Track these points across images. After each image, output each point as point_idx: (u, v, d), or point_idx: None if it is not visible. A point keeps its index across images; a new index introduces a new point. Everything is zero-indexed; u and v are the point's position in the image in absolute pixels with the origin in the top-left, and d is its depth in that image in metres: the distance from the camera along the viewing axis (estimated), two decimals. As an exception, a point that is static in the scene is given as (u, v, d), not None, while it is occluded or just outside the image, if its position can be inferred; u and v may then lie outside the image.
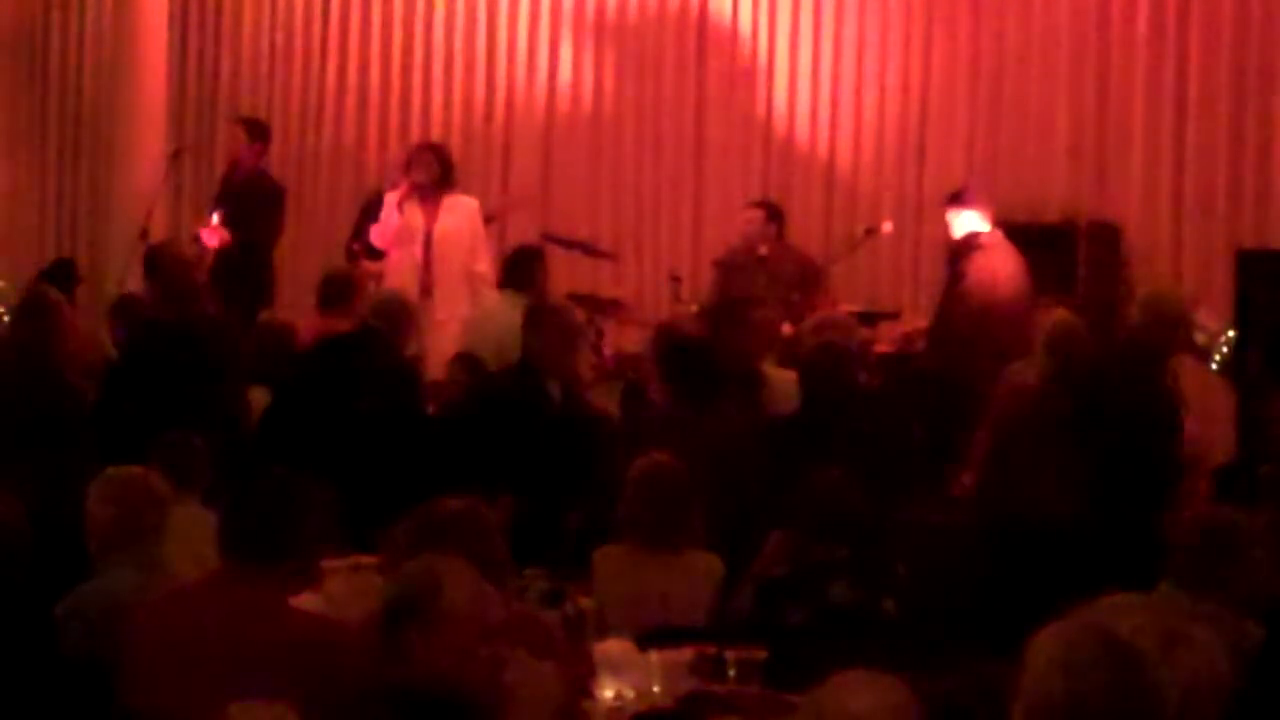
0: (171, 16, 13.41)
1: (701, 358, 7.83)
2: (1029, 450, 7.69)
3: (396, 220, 10.61)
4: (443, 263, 10.48)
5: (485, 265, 10.54)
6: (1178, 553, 5.20)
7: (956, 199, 10.14)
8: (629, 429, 7.93)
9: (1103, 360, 8.02)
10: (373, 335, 8.41)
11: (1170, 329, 7.97)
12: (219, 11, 14.17)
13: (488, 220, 11.10)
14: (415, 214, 10.63)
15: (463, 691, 3.91)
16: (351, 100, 13.71)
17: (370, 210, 11.34)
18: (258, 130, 12.08)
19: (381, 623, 4.00)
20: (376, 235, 10.73)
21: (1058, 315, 8.28)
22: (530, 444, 7.55)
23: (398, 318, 8.54)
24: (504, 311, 9.27)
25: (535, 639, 4.58)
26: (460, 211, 10.68)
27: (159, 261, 8.97)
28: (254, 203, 11.54)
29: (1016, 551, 7.33)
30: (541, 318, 8.03)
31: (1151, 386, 7.70)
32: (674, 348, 7.92)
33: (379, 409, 8.08)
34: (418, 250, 10.56)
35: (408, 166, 10.87)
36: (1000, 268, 9.75)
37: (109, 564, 5.62)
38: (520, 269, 9.69)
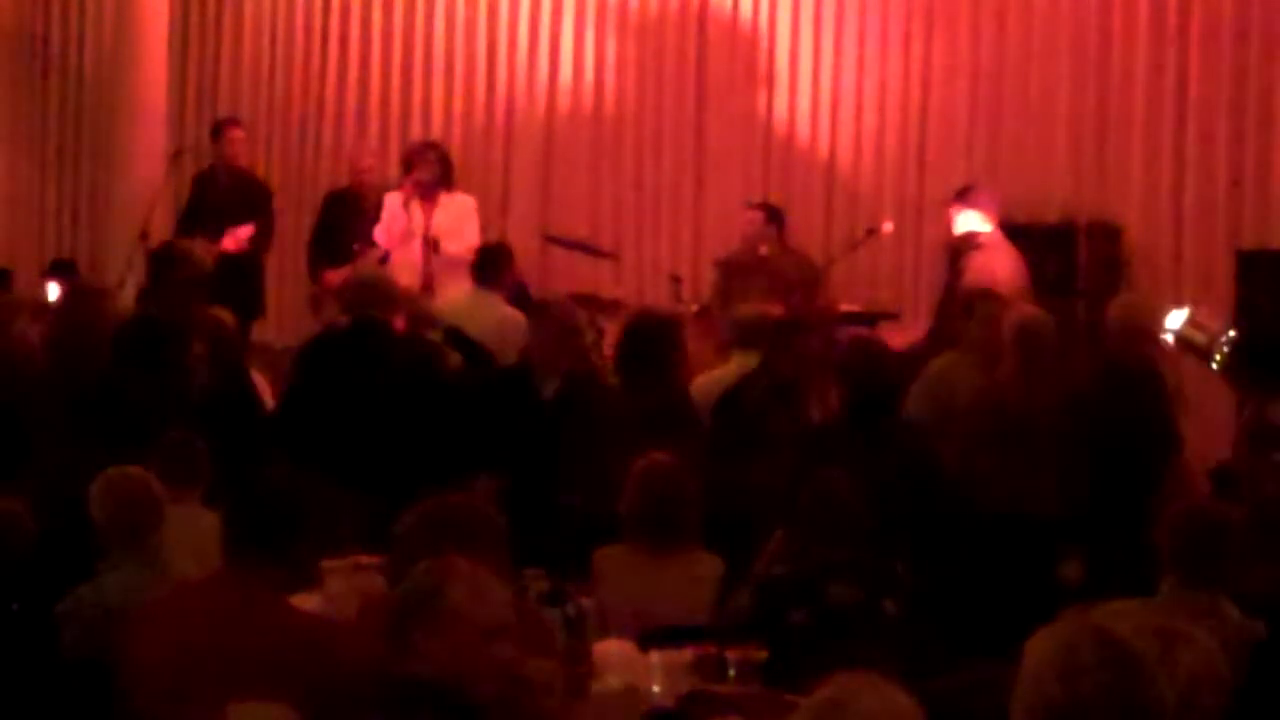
0: (171, 16, 13.42)
1: (646, 342, 7.90)
2: (1009, 447, 7.71)
3: (403, 221, 10.62)
4: (439, 262, 10.50)
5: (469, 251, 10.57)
6: (1171, 551, 5.22)
7: (962, 197, 10.14)
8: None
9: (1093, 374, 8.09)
10: (366, 323, 8.46)
11: (1141, 340, 8.04)
12: (219, 11, 14.17)
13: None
14: (416, 213, 10.64)
15: (469, 690, 3.91)
16: (351, 100, 13.71)
17: (335, 210, 11.37)
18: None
19: (388, 622, 4.00)
20: (382, 235, 10.73)
21: (1024, 311, 8.32)
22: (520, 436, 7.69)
23: (379, 297, 8.59)
24: (475, 307, 9.39)
25: (536, 637, 4.58)
26: (456, 209, 10.69)
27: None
28: (248, 205, 11.55)
29: (998, 546, 7.35)
30: (542, 314, 8.17)
31: (1137, 396, 7.75)
32: (628, 331, 8.05)
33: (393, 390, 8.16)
34: (417, 249, 10.57)
35: (409, 166, 10.87)
36: (999, 267, 9.75)
37: (109, 564, 5.63)
38: (489, 266, 9.72)
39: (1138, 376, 7.84)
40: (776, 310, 9.72)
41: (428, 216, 10.61)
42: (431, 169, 10.68)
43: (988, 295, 8.74)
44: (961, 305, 8.91)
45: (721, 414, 8.00)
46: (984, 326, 8.30)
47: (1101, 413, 7.71)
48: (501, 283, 9.65)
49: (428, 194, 10.65)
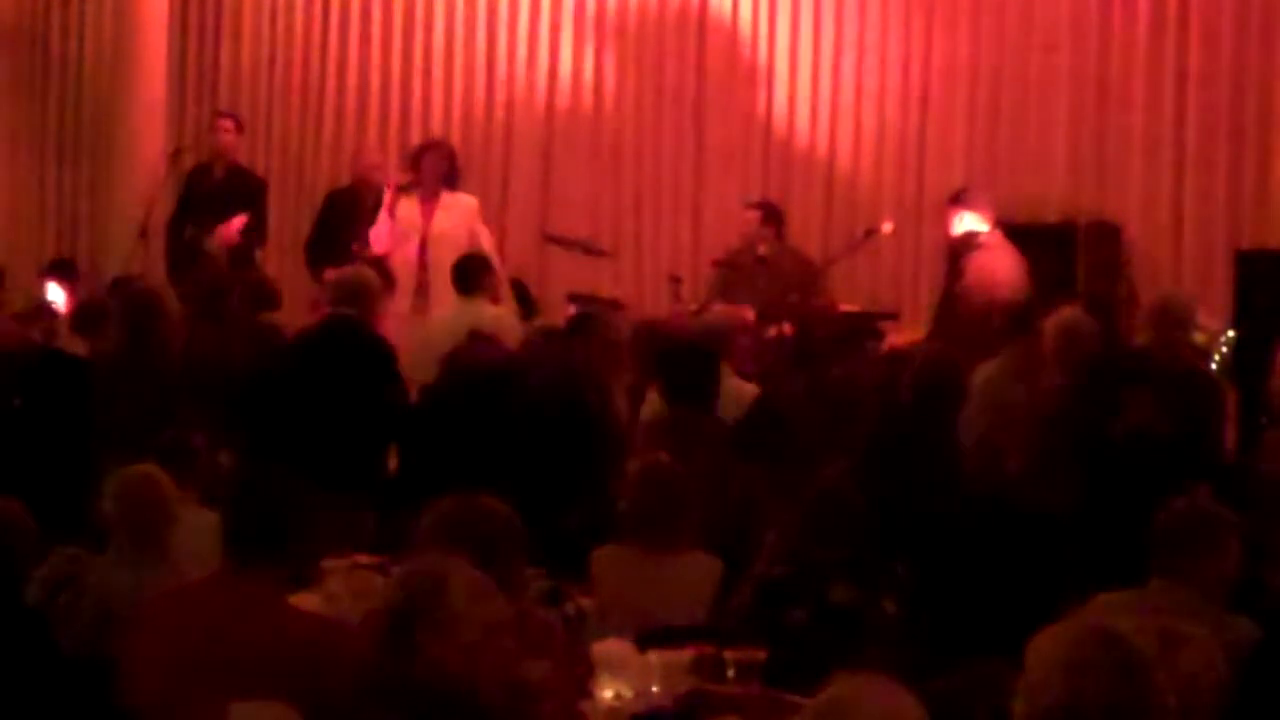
0: (171, 16, 13.41)
1: (699, 360, 7.87)
2: (1053, 449, 7.69)
3: (388, 223, 10.63)
4: (438, 262, 10.45)
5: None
6: (1158, 546, 5.24)
7: (957, 200, 10.14)
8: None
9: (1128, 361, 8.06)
10: (341, 321, 8.48)
11: (1177, 329, 8.02)
12: (219, 11, 14.17)
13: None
14: (413, 212, 10.61)
15: (472, 692, 3.91)
16: (351, 100, 13.70)
17: (336, 209, 11.37)
18: (240, 123, 12.16)
19: (387, 626, 3.99)
20: (374, 239, 10.74)
21: (1067, 314, 8.28)
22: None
23: (361, 297, 8.62)
24: (458, 317, 9.39)
25: (534, 637, 4.57)
26: (458, 210, 10.67)
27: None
28: (242, 198, 11.55)
29: (1031, 545, 7.33)
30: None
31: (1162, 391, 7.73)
32: (671, 350, 7.99)
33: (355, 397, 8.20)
34: (413, 249, 10.55)
35: (415, 164, 10.86)
36: (1000, 267, 9.76)
37: (113, 562, 5.64)
38: (470, 276, 9.74)
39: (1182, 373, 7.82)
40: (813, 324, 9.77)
41: (427, 218, 10.59)
42: (438, 167, 10.66)
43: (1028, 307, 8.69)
44: (994, 314, 8.90)
45: (763, 428, 7.95)
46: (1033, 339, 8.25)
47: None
48: (481, 288, 9.67)
49: (426, 194, 10.63)
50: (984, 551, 7.12)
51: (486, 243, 10.67)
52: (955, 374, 7.77)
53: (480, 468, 7.30)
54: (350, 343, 8.43)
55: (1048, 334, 8.08)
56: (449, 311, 9.76)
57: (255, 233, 11.60)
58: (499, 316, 9.54)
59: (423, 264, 10.50)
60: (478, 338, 8.63)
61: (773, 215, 10.99)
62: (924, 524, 6.75)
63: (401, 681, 3.89)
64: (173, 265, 11.42)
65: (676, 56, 12.76)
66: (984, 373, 8.34)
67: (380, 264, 10.55)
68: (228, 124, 12.01)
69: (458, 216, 10.63)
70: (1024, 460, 7.69)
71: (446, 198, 10.67)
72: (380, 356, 8.46)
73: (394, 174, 11.18)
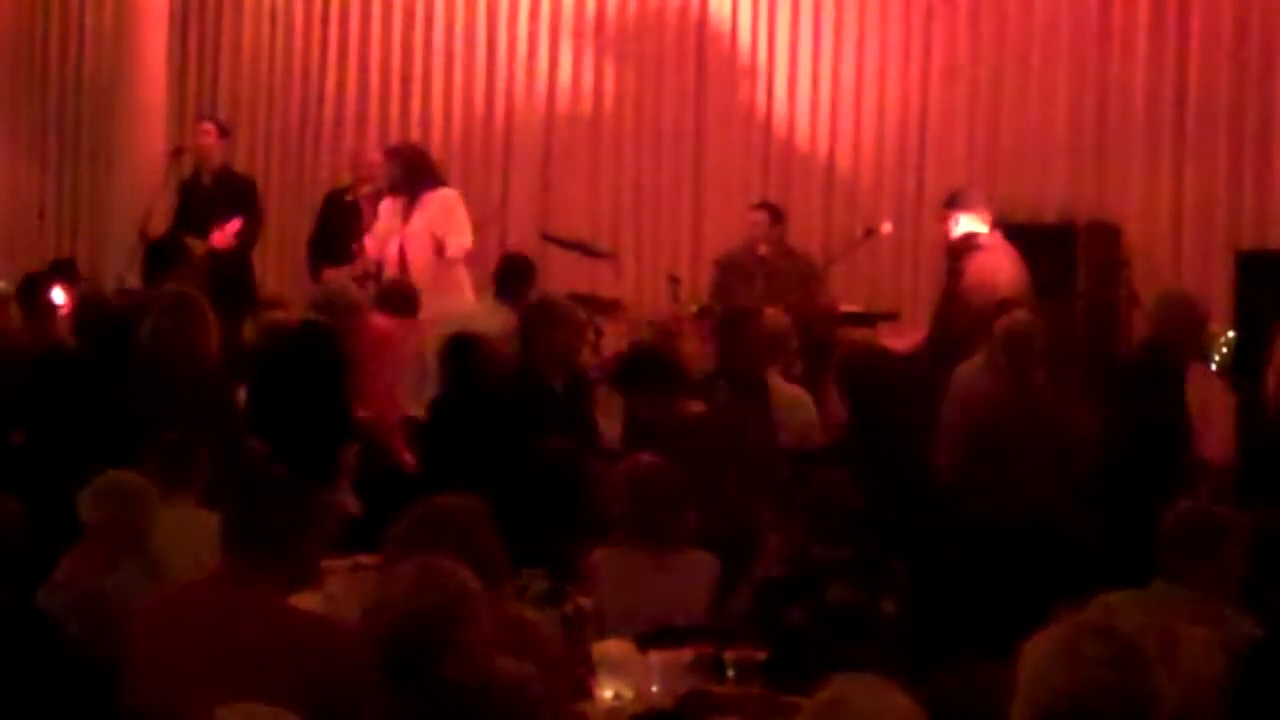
0: (171, 17, 13.42)
1: (655, 367, 7.94)
2: (1015, 452, 7.71)
3: (376, 227, 10.68)
4: (415, 261, 10.45)
5: (455, 249, 10.48)
6: (1162, 548, 5.25)
7: (952, 203, 10.13)
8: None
9: (1123, 364, 8.05)
10: (313, 328, 8.48)
11: (1189, 333, 8.00)
12: (218, 12, 14.17)
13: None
14: (394, 216, 10.62)
15: (490, 690, 3.92)
16: (351, 101, 13.71)
17: (335, 209, 11.37)
18: (224, 128, 12.15)
19: (416, 629, 3.97)
20: (369, 243, 10.78)
21: (1015, 317, 8.28)
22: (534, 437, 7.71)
23: (340, 310, 8.61)
24: (485, 317, 9.33)
25: (518, 639, 4.54)
26: (433, 206, 10.58)
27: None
28: (233, 201, 11.53)
29: (1013, 551, 7.33)
30: (548, 315, 8.18)
31: (1172, 391, 7.73)
32: (631, 359, 8.09)
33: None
34: (394, 251, 10.56)
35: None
36: (999, 268, 9.75)
37: (109, 565, 5.63)
38: (512, 281, 9.69)
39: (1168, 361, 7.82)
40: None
41: (406, 218, 10.55)
42: (388, 174, 10.66)
43: (1012, 305, 8.70)
44: (977, 312, 8.89)
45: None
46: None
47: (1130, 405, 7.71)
48: (520, 300, 9.35)
49: (402, 196, 10.59)
50: (983, 551, 7.13)
51: (456, 241, 10.57)
52: (890, 370, 7.86)
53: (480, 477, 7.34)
54: (306, 347, 8.43)
55: (996, 337, 8.08)
56: (484, 311, 9.68)
57: (249, 234, 11.58)
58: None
59: (402, 265, 10.49)
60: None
61: (779, 217, 10.98)
62: (919, 525, 6.77)
63: (427, 684, 3.89)
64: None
65: (676, 57, 12.76)
66: (965, 368, 8.40)
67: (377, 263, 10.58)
68: (209, 127, 11.99)
69: (432, 212, 10.57)
70: (1011, 460, 7.71)
71: (426, 197, 10.62)
72: (328, 365, 8.43)
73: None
